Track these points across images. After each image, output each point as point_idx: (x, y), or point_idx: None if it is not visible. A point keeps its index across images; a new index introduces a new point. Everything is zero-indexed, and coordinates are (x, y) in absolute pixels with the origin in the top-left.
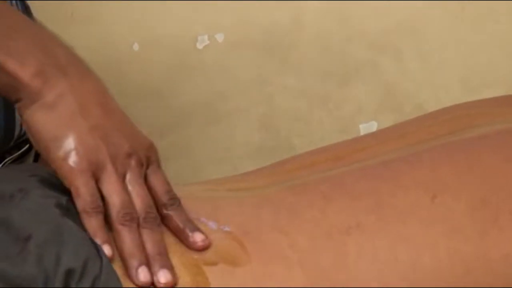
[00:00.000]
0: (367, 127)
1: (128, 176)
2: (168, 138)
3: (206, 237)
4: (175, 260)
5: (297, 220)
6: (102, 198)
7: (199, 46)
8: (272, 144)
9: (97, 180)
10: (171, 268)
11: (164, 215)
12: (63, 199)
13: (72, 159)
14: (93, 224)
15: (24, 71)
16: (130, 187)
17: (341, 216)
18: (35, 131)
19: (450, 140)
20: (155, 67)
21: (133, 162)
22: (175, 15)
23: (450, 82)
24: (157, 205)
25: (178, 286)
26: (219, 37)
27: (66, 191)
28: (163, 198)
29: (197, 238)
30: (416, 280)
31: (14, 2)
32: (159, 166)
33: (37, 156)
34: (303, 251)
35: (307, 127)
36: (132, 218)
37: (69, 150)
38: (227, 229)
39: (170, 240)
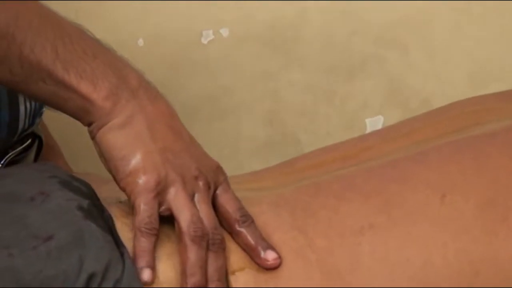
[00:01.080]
0: (373, 121)
1: (196, 197)
2: None
3: (279, 255)
4: None
5: (312, 220)
6: (169, 218)
7: (204, 41)
8: (277, 139)
9: (163, 201)
10: None
11: (236, 231)
12: (85, 202)
13: (140, 177)
14: (142, 244)
15: (96, 94)
16: (198, 207)
17: (354, 216)
18: (106, 151)
19: (457, 138)
20: (160, 62)
21: (200, 184)
22: (180, 10)
23: (457, 76)
24: (230, 222)
25: None
26: (224, 32)
27: (86, 194)
28: (236, 215)
29: (269, 256)
30: (426, 280)
31: None
32: (228, 186)
33: (39, 151)
34: (320, 251)
35: (313, 122)
36: (203, 235)
37: (138, 169)
38: None
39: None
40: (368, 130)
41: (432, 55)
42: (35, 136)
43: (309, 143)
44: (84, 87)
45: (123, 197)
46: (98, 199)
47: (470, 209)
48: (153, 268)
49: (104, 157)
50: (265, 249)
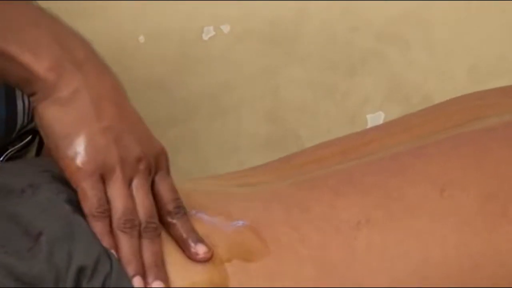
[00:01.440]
0: (374, 117)
1: (135, 181)
2: (174, 130)
3: (209, 249)
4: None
5: (307, 216)
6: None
7: (205, 37)
8: (278, 135)
9: (103, 182)
10: (166, 280)
11: (168, 223)
12: (74, 196)
13: (81, 160)
14: (99, 228)
15: (39, 64)
16: (135, 193)
17: (351, 211)
18: (47, 126)
19: (457, 133)
20: (161, 59)
21: (141, 167)
22: (181, 6)
23: (457, 72)
24: (162, 212)
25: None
26: (225, 28)
27: None
28: (169, 206)
29: (200, 250)
30: (426, 274)
31: None
32: (168, 172)
33: (40, 147)
34: (313, 246)
35: (314, 118)
36: (132, 226)
37: (79, 150)
38: (240, 223)
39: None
40: (369, 126)
41: (432, 51)
42: (35, 133)
43: (310, 140)
44: (25, 57)
45: None
46: None
47: (470, 202)
48: (112, 245)
49: (44, 132)
50: (195, 242)
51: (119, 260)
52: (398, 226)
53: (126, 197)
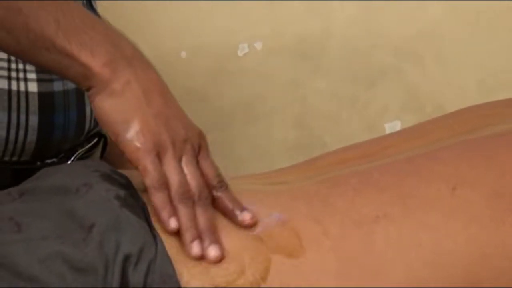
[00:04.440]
0: (392, 126)
1: (184, 159)
2: (211, 136)
3: (254, 215)
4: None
5: (329, 210)
6: None
7: (240, 53)
8: (306, 141)
9: (160, 161)
10: (220, 244)
11: (214, 197)
12: (122, 192)
13: (139, 140)
14: (160, 198)
15: (95, 61)
16: (185, 169)
17: (370, 206)
18: (105, 115)
19: (467, 138)
20: (201, 73)
21: (188, 147)
22: (218, 25)
23: (467, 84)
24: (208, 187)
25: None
26: (258, 45)
27: (124, 186)
28: (213, 181)
29: (246, 216)
30: (438, 263)
31: (84, 2)
32: (208, 153)
33: (105, 148)
34: (335, 238)
35: (337, 126)
36: (188, 196)
37: (136, 132)
38: (276, 215)
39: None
40: (386, 133)
41: (445, 65)
42: (101, 135)
43: (334, 145)
44: (84, 55)
45: None
46: (134, 190)
47: (479, 200)
48: (175, 216)
49: (103, 121)
50: (241, 210)
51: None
52: (412, 221)
53: (180, 172)
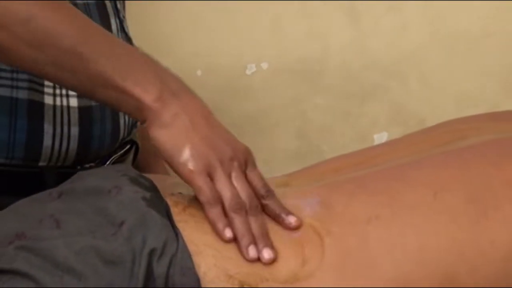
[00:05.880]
0: (380, 136)
1: (233, 175)
2: None
3: (298, 218)
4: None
5: (328, 212)
6: None
7: (248, 72)
8: (305, 150)
9: (211, 179)
10: (272, 247)
11: (263, 204)
12: (147, 194)
13: (191, 164)
14: (215, 212)
15: (147, 97)
16: (235, 183)
17: (363, 209)
18: (159, 144)
19: (446, 149)
20: (214, 89)
21: (235, 164)
22: (230, 48)
23: (446, 101)
24: (257, 197)
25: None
26: (264, 66)
27: (149, 188)
28: (261, 191)
29: (291, 219)
30: (421, 260)
31: (117, 24)
32: (254, 165)
33: (136, 154)
34: (334, 236)
35: (332, 136)
36: (241, 207)
37: (187, 157)
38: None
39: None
40: (376, 143)
41: (426, 85)
42: (133, 143)
43: (330, 153)
44: (137, 92)
45: (175, 191)
46: (158, 192)
47: (457, 203)
48: (226, 224)
49: (158, 149)
50: (287, 215)
51: (235, 236)
52: (400, 222)
53: (231, 187)
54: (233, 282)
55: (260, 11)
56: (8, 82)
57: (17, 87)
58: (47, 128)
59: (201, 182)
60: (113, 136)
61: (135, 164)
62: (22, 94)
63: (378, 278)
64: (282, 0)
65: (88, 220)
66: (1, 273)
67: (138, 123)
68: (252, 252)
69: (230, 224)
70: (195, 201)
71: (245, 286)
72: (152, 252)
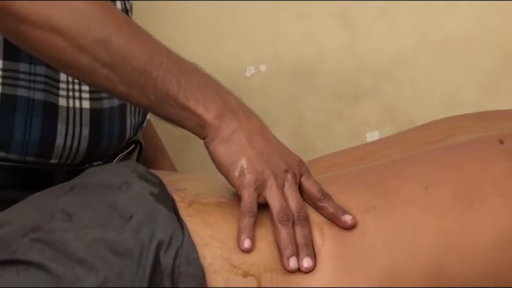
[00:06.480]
0: (372, 135)
1: (286, 186)
2: None
3: (354, 217)
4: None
5: None
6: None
7: (247, 74)
8: (301, 147)
9: (261, 193)
10: (313, 257)
11: (320, 207)
12: (155, 190)
13: (244, 177)
14: (245, 222)
15: (208, 114)
16: (287, 194)
17: (361, 200)
18: (217, 158)
19: (437, 146)
20: None
21: (289, 176)
22: (230, 51)
23: (434, 102)
24: (314, 201)
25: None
26: (263, 67)
27: (156, 184)
28: (318, 194)
29: (347, 218)
30: (414, 250)
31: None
32: (309, 174)
33: (140, 153)
34: (334, 227)
35: (327, 135)
36: (288, 218)
37: (242, 171)
38: None
39: None
40: (368, 141)
41: (416, 86)
42: (137, 143)
43: (325, 151)
44: (200, 110)
45: (181, 187)
46: (165, 187)
47: (447, 197)
48: (252, 239)
49: (216, 163)
50: (343, 214)
51: (278, 245)
52: (395, 213)
53: (280, 198)
54: (237, 272)
55: (259, 15)
56: (26, 84)
57: (34, 89)
58: (60, 128)
59: (247, 193)
60: (120, 137)
61: (142, 158)
62: (39, 96)
63: (374, 267)
64: (280, 5)
65: (99, 213)
66: (17, 263)
67: (144, 126)
68: (292, 263)
69: (275, 233)
70: (200, 197)
71: (249, 276)
72: (159, 245)
